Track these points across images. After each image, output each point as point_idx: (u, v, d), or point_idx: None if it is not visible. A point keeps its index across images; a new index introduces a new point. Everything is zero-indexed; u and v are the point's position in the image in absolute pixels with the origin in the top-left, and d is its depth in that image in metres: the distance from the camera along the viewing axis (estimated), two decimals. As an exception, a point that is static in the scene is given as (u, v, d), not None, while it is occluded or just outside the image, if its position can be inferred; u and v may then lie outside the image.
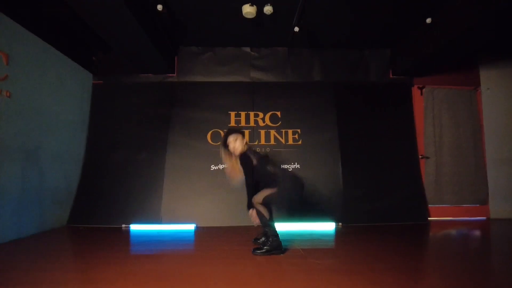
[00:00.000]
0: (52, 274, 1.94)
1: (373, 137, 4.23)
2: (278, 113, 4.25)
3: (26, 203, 3.06)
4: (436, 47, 3.57)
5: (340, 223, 3.79)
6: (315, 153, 4.12)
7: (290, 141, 4.18)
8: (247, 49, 4.43)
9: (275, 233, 2.42)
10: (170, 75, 4.37)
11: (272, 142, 4.16)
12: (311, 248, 2.64)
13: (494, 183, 4.34)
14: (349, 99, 4.37)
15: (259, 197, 2.37)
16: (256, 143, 4.12)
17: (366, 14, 3.57)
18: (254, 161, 2.42)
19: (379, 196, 4.03)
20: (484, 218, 4.27)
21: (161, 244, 2.91)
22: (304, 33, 3.82)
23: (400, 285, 1.73)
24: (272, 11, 3.27)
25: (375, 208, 3.96)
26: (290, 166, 4.03)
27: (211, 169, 4.01)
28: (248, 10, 3.22)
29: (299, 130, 4.21)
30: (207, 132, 4.14)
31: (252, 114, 4.24)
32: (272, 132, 4.20)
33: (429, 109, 4.41)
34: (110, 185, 3.92)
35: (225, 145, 2.58)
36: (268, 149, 4.08)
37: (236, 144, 2.52)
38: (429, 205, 4.18)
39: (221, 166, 3.98)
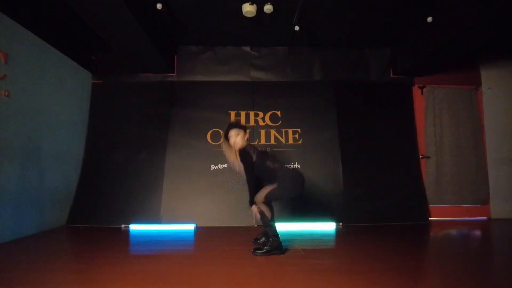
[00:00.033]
0: (52, 274, 1.94)
1: (373, 137, 4.22)
2: (278, 113, 4.24)
3: (25, 203, 3.05)
4: (436, 46, 3.55)
5: (340, 223, 3.78)
6: (315, 153, 4.11)
7: (290, 141, 4.17)
8: (247, 48, 4.42)
9: (275, 233, 2.42)
10: (170, 74, 4.36)
11: (272, 141, 4.15)
12: (311, 248, 2.63)
13: (495, 183, 4.33)
14: (350, 98, 4.36)
15: (261, 196, 2.37)
16: (256, 142, 4.11)
17: (366, 13, 3.56)
18: (254, 157, 2.42)
19: (380, 195, 4.02)
20: (485, 218, 4.26)
21: (161, 244, 2.90)
22: (304, 32, 3.81)
23: (400, 285, 1.72)
24: (272, 10, 3.26)
25: (375, 208, 3.95)
26: (290, 166, 4.02)
27: (211, 169, 4.00)
28: (248, 9, 3.21)
29: (299, 130, 4.20)
30: (207, 132, 4.13)
31: (252, 113, 4.23)
32: (272, 131, 4.19)
33: (430, 108, 4.40)
34: (109, 185, 3.92)
35: (227, 138, 2.57)
36: (268, 149, 4.07)
37: (237, 139, 2.51)
38: (430, 205, 4.17)
39: (221, 166, 3.98)
